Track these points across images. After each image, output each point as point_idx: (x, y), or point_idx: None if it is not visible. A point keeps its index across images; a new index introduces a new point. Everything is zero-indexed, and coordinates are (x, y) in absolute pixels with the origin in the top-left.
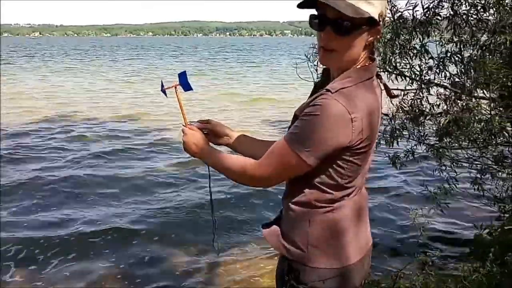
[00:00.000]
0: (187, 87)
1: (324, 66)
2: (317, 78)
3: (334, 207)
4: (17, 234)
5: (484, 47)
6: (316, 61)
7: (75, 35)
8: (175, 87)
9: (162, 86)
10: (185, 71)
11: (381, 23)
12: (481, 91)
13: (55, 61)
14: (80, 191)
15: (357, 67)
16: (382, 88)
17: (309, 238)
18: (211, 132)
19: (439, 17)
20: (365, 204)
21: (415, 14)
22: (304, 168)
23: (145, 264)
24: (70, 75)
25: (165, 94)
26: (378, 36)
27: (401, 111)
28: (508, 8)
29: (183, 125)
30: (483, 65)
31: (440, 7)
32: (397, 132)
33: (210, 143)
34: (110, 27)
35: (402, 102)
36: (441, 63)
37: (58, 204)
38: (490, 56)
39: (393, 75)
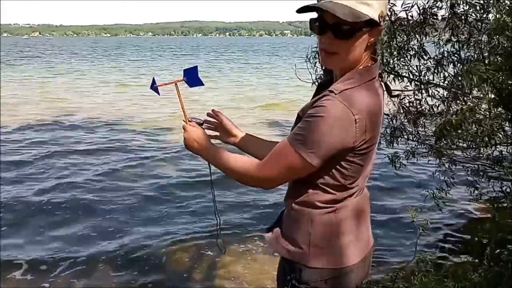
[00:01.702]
0: (195, 82)
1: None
2: (316, 79)
3: (337, 207)
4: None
5: (481, 48)
6: (315, 63)
7: (75, 35)
8: (175, 84)
9: (154, 83)
10: (196, 66)
11: (382, 23)
12: (479, 93)
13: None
14: (81, 195)
15: (360, 67)
16: (384, 88)
17: (311, 238)
18: (221, 127)
19: (436, 17)
20: (367, 205)
21: (411, 15)
22: (308, 169)
23: (147, 266)
24: (70, 76)
25: (157, 92)
26: (380, 36)
27: (401, 111)
28: (508, 8)
29: (183, 121)
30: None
31: (437, 7)
32: (397, 132)
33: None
34: (109, 27)
35: (401, 103)
36: (438, 64)
37: (54, 207)
38: (490, 58)
39: (391, 76)
